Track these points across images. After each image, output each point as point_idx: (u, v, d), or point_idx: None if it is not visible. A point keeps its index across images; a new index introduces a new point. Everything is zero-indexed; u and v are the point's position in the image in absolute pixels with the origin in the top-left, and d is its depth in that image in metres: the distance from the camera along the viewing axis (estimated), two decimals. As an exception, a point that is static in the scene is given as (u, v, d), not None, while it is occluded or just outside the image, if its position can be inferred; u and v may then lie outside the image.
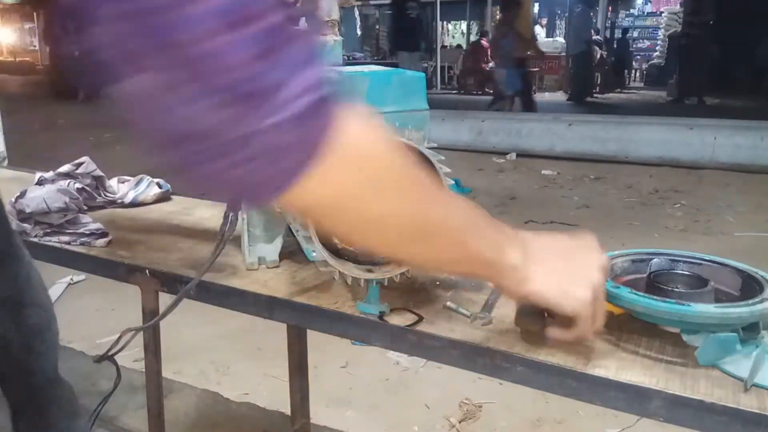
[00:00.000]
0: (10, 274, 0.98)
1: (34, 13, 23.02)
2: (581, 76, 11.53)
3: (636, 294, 0.78)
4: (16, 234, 1.03)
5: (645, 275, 0.87)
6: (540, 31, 17.32)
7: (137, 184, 1.56)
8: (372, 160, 0.49)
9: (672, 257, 0.91)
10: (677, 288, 0.82)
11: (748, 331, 0.80)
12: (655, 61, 15.46)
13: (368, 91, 0.87)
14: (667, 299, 0.77)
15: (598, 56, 12.38)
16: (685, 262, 0.90)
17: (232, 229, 0.99)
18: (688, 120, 6.80)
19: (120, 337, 1.07)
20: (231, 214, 0.99)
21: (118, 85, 0.43)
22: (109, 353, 1.07)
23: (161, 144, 0.45)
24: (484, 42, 13.75)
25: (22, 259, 1.01)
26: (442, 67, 15.09)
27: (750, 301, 0.77)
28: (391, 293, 0.99)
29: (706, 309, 0.75)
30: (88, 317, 2.76)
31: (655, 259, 0.90)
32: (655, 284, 0.82)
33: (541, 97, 12.22)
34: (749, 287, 0.83)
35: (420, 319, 0.90)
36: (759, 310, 0.75)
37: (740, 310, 0.75)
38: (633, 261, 0.91)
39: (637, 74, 16.05)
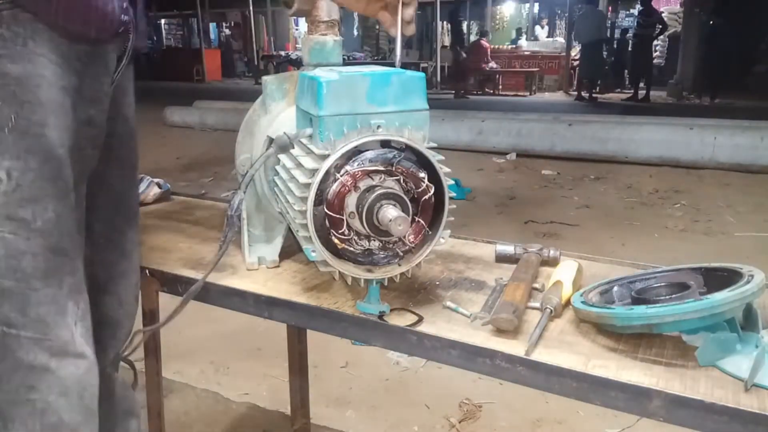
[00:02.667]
0: (106, 259, 1.01)
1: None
2: (594, 71, 11.67)
3: (658, 307, 0.78)
4: (135, 231, 1.06)
5: (630, 299, 0.89)
6: (540, 31, 17.32)
7: (137, 184, 1.56)
8: None
9: (629, 279, 0.94)
10: (674, 295, 0.83)
11: (749, 329, 0.80)
12: (655, 61, 15.46)
13: (368, 91, 0.87)
14: (686, 300, 0.78)
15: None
16: (646, 278, 0.93)
17: (233, 229, 0.99)
18: (688, 120, 6.80)
19: (131, 338, 1.07)
20: (233, 215, 0.99)
21: None
22: (123, 354, 1.07)
23: None
24: (483, 42, 13.75)
25: (126, 255, 1.04)
26: (442, 67, 15.08)
27: (745, 281, 0.78)
28: (391, 293, 0.99)
29: (725, 295, 0.76)
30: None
31: (615, 288, 0.93)
32: (652, 299, 0.83)
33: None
34: (714, 278, 0.85)
35: (420, 319, 0.90)
36: (757, 284, 0.78)
37: (749, 287, 0.76)
38: (601, 293, 0.93)
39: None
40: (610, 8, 15.38)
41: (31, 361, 0.79)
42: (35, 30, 0.78)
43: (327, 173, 0.85)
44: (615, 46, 13.52)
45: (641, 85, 11.66)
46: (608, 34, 13.23)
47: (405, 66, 1.01)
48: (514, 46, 16.77)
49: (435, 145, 0.90)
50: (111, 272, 1.02)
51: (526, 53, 15.49)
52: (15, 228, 0.77)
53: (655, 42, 12.53)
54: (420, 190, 0.88)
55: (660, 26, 11.15)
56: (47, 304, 0.80)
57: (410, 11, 0.98)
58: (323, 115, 0.86)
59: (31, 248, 0.78)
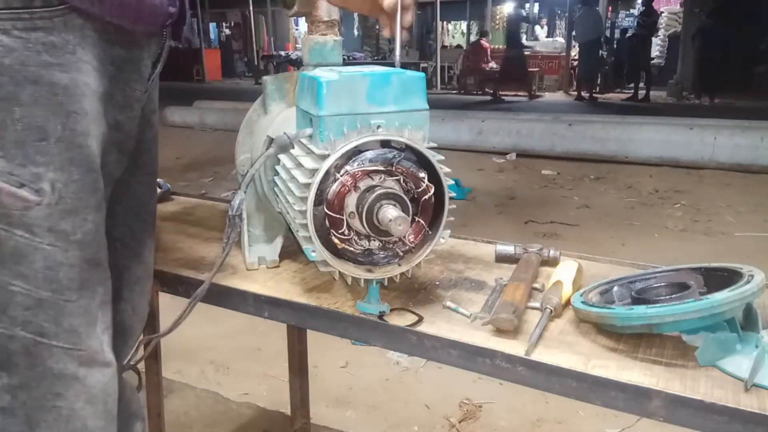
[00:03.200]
0: (123, 264, 1.01)
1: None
2: (592, 70, 11.70)
3: (658, 307, 0.78)
4: (152, 237, 1.06)
5: (630, 299, 0.89)
6: (540, 31, 17.33)
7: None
8: None
9: (629, 279, 0.94)
10: (674, 295, 0.83)
11: (749, 329, 0.80)
12: (655, 61, 15.47)
13: (368, 91, 0.87)
14: (686, 300, 0.78)
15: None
16: (646, 278, 0.93)
17: (235, 230, 0.99)
18: (688, 120, 6.80)
19: (138, 346, 1.07)
20: (234, 215, 0.99)
21: None
22: (130, 362, 1.07)
23: None
24: (483, 42, 13.75)
25: (143, 262, 1.04)
26: (442, 67, 15.08)
27: (745, 281, 0.78)
28: (391, 293, 0.99)
29: (725, 295, 0.76)
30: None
31: (615, 288, 0.93)
32: (652, 299, 0.83)
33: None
34: (714, 278, 0.85)
35: (420, 319, 0.90)
36: (757, 284, 0.78)
37: (749, 287, 0.76)
38: (601, 293, 0.93)
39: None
40: (610, 8, 15.39)
41: (61, 369, 0.79)
42: (84, 37, 0.76)
43: (327, 173, 0.85)
44: (615, 45, 13.53)
45: (641, 84, 11.66)
46: (607, 34, 13.23)
47: (405, 66, 1.01)
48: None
49: (435, 145, 0.90)
50: (127, 278, 1.02)
51: (526, 53, 15.47)
52: (54, 240, 0.76)
53: (655, 41, 12.55)
54: (420, 190, 0.88)
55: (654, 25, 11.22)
56: (80, 316, 0.80)
57: (408, 17, 0.98)
58: (323, 115, 0.86)
59: (69, 260, 0.78)
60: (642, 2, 11.25)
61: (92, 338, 0.82)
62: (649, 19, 11.16)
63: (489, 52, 13.70)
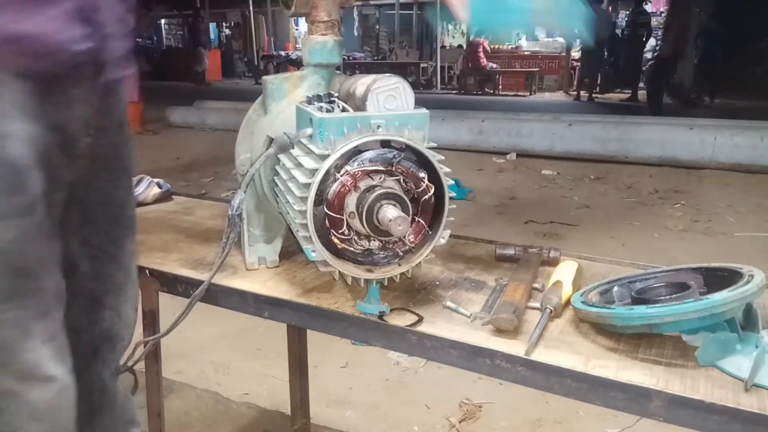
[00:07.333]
0: (104, 272, 0.99)
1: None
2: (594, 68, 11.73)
3: (658, 307, 0.78)
4: (132, 242, 1.04)
5: (630, 299, 0.89)
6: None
7: (137, 184, 1.56)
8: None
9: (629, 279, 0.94)
10: (674, 295, 0.83)
11: (749, 329, 0.80)
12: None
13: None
14: (686, 300, 0.78)
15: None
16: (646, 278, 0.93)
17: (235, 230, 0.99)
18: (688, 120, 6.80)
19: (135, 349, 1.06)
20: (233, 215, 0.99)
21: None
22: (128, 364, 1.07)
23: None
24: (481, 40, 13.70)
25: (124, 268, 1.02)
26: (442, 67, 15.07)
27: (745, 281, 0.78)
28: (391, 293, 0.99)
29: (725, 295, 0.76)
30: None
31: (615, 288, 0.93)
32: (652, 299, 0.83)
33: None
34: (714, 278, 0.85)
35: (420, 319, 0.90)
36: (757, 284, 0.78)
37: (749, 287, 0.76)
38: (601, 293, 0.93)
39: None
40: (610, 8, 15.38)
41: None
42: None
43: (327, 173, 0.85)
44: (614, 45, 13.51)
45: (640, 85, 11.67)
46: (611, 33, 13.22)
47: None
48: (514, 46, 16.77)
49: (435, 145, 0.90)
50: (109, 286, 1.00)
51: (526, 53, 15.47)
52: None
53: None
54: (420, 190, 0.88)
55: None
56: (10, 329, 0.76)
57: None
58: (323, 115, 0.86)
59: None
60: (635, 4, 11.26)
61: (27, 352, 0.78)
62: (638, 20, 11.20)
63: (487, 50, 13.67)
